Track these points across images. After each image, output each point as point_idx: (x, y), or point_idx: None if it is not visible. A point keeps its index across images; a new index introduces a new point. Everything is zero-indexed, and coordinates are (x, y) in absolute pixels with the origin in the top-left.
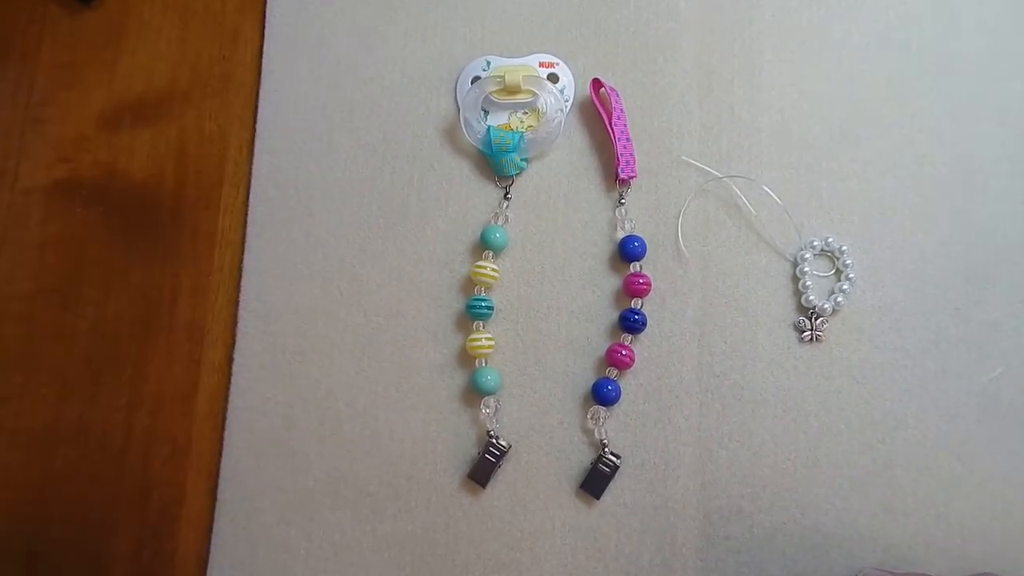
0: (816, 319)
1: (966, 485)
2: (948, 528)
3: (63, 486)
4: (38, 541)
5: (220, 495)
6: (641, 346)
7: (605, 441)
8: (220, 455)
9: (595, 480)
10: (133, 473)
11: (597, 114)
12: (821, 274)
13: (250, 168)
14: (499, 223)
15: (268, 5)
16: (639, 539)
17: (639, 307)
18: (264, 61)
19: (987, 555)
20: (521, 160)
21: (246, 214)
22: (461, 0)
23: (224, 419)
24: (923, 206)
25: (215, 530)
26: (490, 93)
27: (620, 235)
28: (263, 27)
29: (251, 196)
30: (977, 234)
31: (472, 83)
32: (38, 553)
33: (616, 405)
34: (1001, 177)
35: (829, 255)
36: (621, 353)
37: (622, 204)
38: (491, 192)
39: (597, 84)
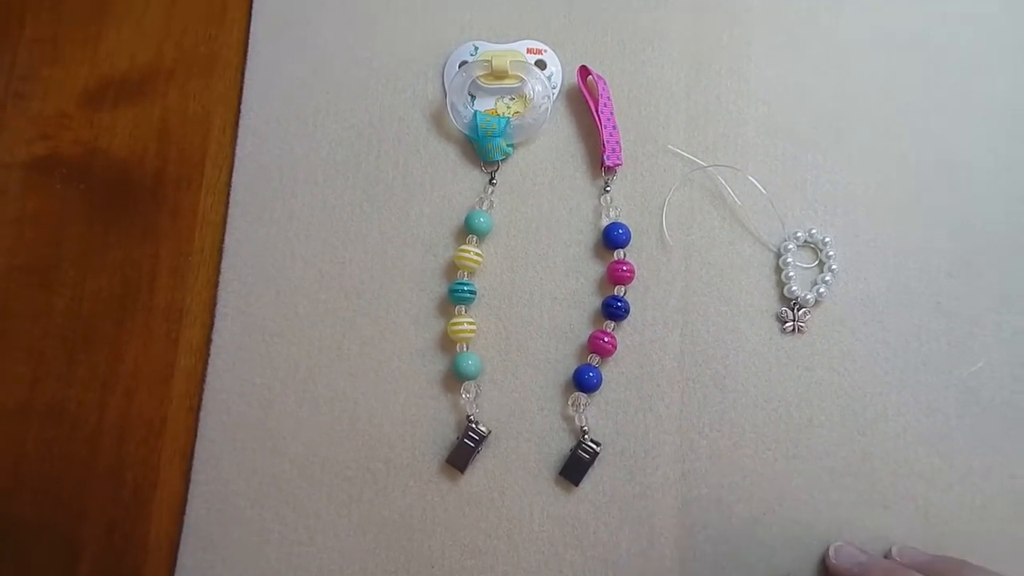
0: (798, 310)
1: (945, 478)
2: (926, 521)
3: (35, 466)
4: (7, 521)
5: (194, 477)
6: (623, 334)
7: (585, 428)
8: (195, 437)
9: (574, 467)
10: (107, 454)
11: (584, 101)
12: (804, 265)
13: (233, 148)
14: (484, 208)
15: None
16: (617, 527)
17: (622, 295)
18: (250, 42)
19: (965, 548)
20: (507, 146)
21: (228, 194)
22: None
23: (200, 401)
24: (907, 199)
25: (188, 513)
26: (477, 78)
27: (605, 222)
28: (250, 7)
29: (234, 176)
30: (960, 228)
31: (459, 67)
32: (7, 533)
33: (597, 392)
34: (985, 172)
35: (812, 246)
36: (603, 340)
37: (607, 192)
38: (476, 177)
39: (584, 71)
